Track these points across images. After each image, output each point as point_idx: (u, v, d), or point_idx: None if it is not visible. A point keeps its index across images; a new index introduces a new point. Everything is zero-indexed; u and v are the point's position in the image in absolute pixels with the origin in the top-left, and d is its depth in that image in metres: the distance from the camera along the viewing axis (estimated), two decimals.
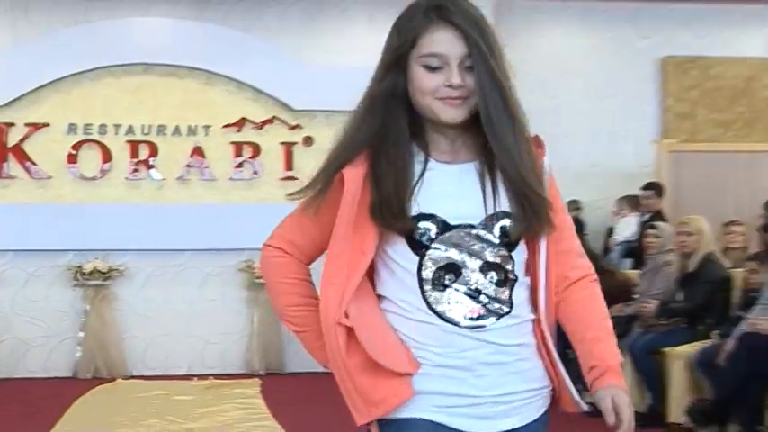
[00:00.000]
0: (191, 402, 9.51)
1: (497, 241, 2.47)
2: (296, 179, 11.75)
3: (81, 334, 11.37)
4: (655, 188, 11.31)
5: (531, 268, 2.56)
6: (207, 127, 11.73)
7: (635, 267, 10.23)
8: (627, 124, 12.64)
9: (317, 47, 12.03)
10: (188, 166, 11.71)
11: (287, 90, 11.75)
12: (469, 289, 2.47)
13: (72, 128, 11.56)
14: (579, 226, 10.08)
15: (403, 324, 2.49)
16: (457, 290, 2.47)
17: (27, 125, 11.48)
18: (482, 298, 2.47)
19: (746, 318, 7.59)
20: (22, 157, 11.46)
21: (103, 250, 11.42)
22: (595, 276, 2.64)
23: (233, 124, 11.78)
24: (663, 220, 10.19)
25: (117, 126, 11.62)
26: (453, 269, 2.47)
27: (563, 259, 2.58)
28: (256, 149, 11.80)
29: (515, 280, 2.51)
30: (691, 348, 8.04)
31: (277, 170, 11.81)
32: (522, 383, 2.51)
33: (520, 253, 2.52)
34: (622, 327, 8.79)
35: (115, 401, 9.71)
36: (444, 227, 2.45)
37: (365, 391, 2.47)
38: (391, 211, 2.42)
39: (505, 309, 2.49)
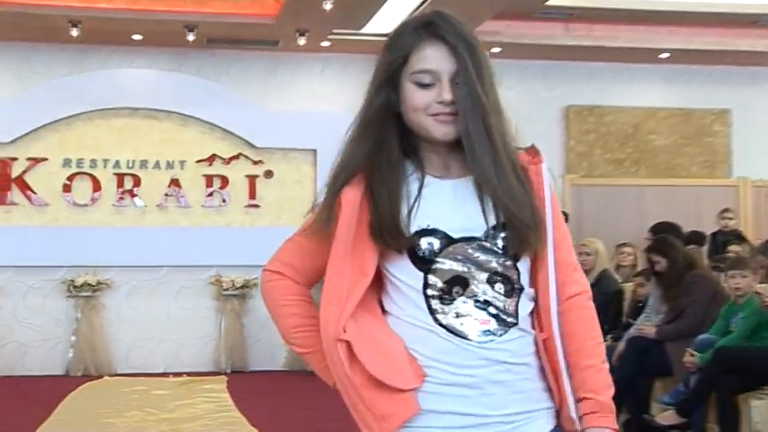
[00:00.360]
0: (167, 396, 9.44)
1: (502, 251, 2.14)
2: (258, 206, 11.80)
3: (73, 338, 11.28)
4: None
5: (534, 281, 2.21)
6: (182, 162, 11.70)
7: None
8: None
9: (276, 95, 12.05)
10: (166, 194, 11.66)
11: (251, 131, 11.74)
12: (478, 301, 2.13)
13: (67, 162, 11.49)
14: None
15: (413, 340, 2.12)
16: (465, 302, 2.12)
17: (28, 159, 11.40)
18: (491, 309, 2.13)
19: (635, 324, 7.64)
20: (24, 186, 11.37)
21: (93, 266, 11.34)
22: (590, 294, 2.24)
23: (205, 159, 11.74)
24: None
25: (105, 160, 11.56)
26: (460, 282, 2.13)
27: (561, 270, 2.20)
28: (225, 181, 11.77)
29: (521, 290, 2.17)
30: None
31: (242, 199, 11.80)
32: (525, 404, 2.14)
33: (525, 263, 2.18)
34: None
35: (102, 396, 9.63)
36: (448, 241, 2.12)
37: (373, 406, 2.11)
38: (389, 231, 2.11)
39: (513, 320, 2.14)
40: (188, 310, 11.66)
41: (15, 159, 11.37)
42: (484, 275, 2.12)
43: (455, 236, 2.11)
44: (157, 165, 11.67)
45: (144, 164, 11.65)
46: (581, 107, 12.73)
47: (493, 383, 2.09)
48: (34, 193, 11.39)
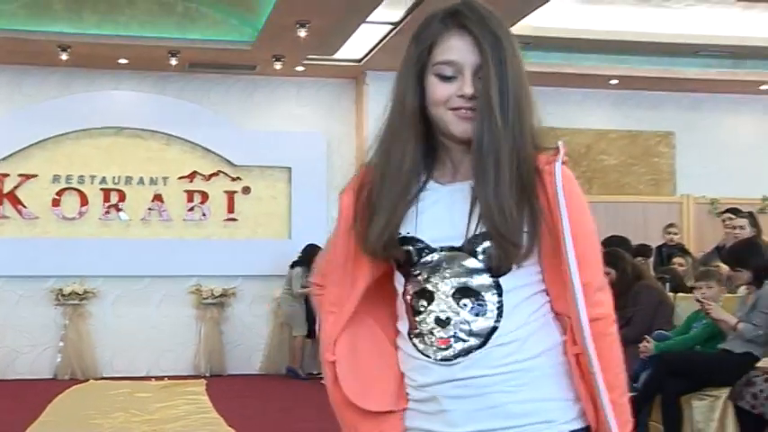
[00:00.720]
0: (149, 399, 9.39)
1: (481, 266, 1.82)
2: (236, 220, 11.78)
3: (61, 343, 11.21)
4: None
5: (554, 289, 1.87)
6: (165, 178, 11.66)
7: None
8: None
9: (253, 116, 12.04)
10: (150, 209, 11.62)
11: (229, 149, 11.73)
12: (439, 318, 1.84)
13: (56, 178, 11.44)
14: None
15: (400, 356, 1.93)
16: (428, 318, 1.85)
17: (20, 175, 11.34)
18: (450, 328, 1.82)
19: None
20: (15, 201, 11.30)
21: (80, 276, 11.29)
22: (614, 317, 1.87)
23: (186, 176, 11.72)
24: None
25: (93, 177, 11.51)
26: (425, 295, 1.85)
27: (583, 290, 1.81)
28: (205, 196, 11.74)
29: (499, 309, 1.82)
30: None
31: (221, 213, 11.77)
32: (497, 420, 1.80)
33: (516, 278, 1.83)
34: None
35: (88, 398, 9.56)
36: (427, 250, 1.85)
37: (353, 426, 1.94)
38: (361, 237, 1.88)
39: (477, 341, 1.81)
40: (169, 318, 11.61)
41: (7, 175, 11.31)
42: (450, 290, 1.84)
43: (434, 245, 1.85)
44: (141, 181, 11.63)
45: (129, 180, 11.61)
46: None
47: (451, 399, 1.83)
48: (25, 207, 11.32)
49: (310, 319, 10.84)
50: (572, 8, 10.37)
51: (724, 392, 5.84)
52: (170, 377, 11.05)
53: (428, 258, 1.85)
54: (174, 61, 10.95)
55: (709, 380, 6.03)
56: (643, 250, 9.53)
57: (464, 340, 1.81)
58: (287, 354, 11.39)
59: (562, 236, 1.80)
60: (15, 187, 11.32)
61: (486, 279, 1.82)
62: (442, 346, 1.82)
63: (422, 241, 1.85)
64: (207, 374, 11.26)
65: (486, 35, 1.84)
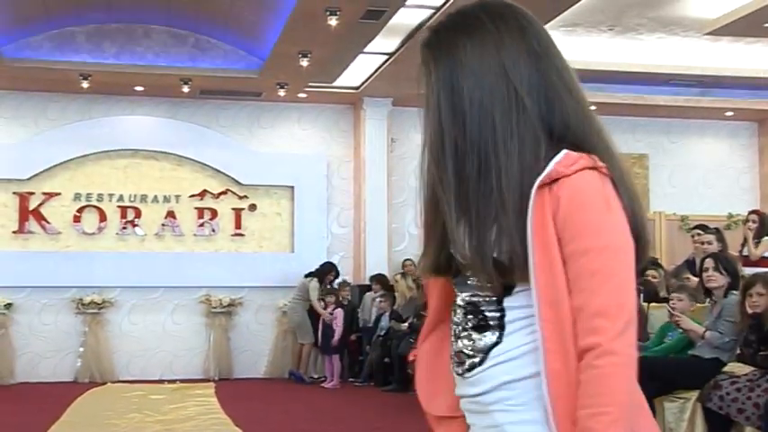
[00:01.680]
0: (162, 400, 9.37)
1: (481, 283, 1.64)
2: (243, 235, 11.79)
3: (81, 349, 11.20)
4: None
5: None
6: (178, 196, 11.68)
7: None
8: None
9: (259, 138, 12.07)
10: (163, 225, 11.63)
11: (237, 170, 11.74)
12: (454, 331, 1.69)
13: (77, 196, 11.44)
14: None
15: None
16: (452, 331, 1.71)
17: (44, 194, 11.36)
18: (459, 343, 1.67)
19: None
20: (39, 217, 11.31)
21: (99, 287, 11.28)
22: (607, 347, 1.48)
23: (197, 194, 11.73)
24: None
25: (111, 195, 11.53)
26: (455, 308, 1.70)
27: (578, 317, 1.52)
28: (214, 213, 11.75)
29: (500, 326, 1.62)
30: None
31: (229, 229, 11.78)
32: None
33: (518, 298, 1.60)
34: None
35: (106, 400, 9.54)
36: (458, 266, 1.67)
37: (429, 428, 1.80)
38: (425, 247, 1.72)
39: (478, 358, 1.63)
40: (181, 325, 11.60)
41: (32, 194, 11.32)
42: (464, 304, 1.67)
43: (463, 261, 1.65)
44: (156, 199, 11.63)
45: (144, 198, 11.61)
46: None
47: (470, 414, 1.68)
48: (48, 223, 11.32)
49: (315, 327, 10.90)
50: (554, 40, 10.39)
51: (693, 395, 5.85)
52: (182, 380, 11.03)
53: (462, 274, 1.68)
54: (186, 88, 10.97)
55: (680, 383, 6.04)
56: None
57: (469, 356, 1.64)
58: (290, 359, 11.38)
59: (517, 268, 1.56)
60: (40, 205, 11.33)
61: (488, 296, 1.63)
62: (457, 360, 1.67)
63: (456, 257, 1.66)
64: (216, 378, 11.24)
65: (427, 58, 1.62)
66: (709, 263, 6.27)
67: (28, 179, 11.29)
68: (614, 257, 1.52)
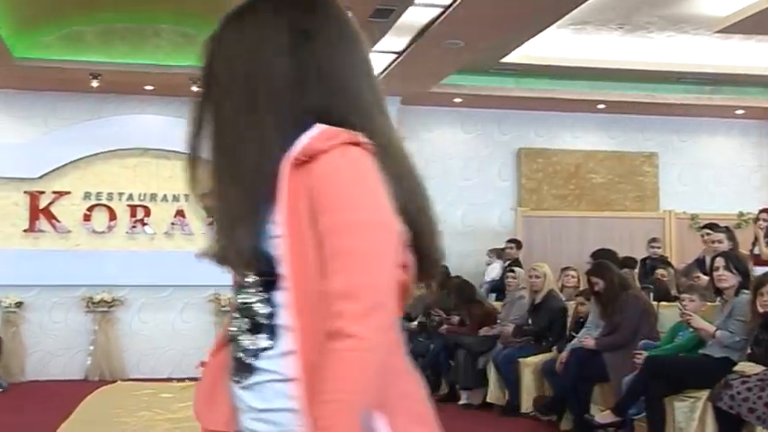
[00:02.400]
0: (172, 399, 9.38)
1: (256, 277, 1.55)
2: None
3: (91, 347, 11.23)
4: (515, 242, 11.37)
5: None
6: (187, 195, 11.59)
7: (498, 300, 10.27)
8: (493, 196, 12.77)
9: None
10: (173, 223, 11.63)
11: None
12: (228, 334, 1.58)
13: (87, 195, 11.46)
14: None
15: None
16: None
17: (54, 193, 11.37)
18: (233, 347, 1.54)
19: (577, 337, 7.67)
20: (50, 216, 11.33)
21: (109, 285, 11.30)
22: (348, 331, 1.35)
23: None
24: (519, 266, 10.23)
25: (120, 194, 11.54)
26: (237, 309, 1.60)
27: (324, 302, 1.39)
28: None
29: (271, 326, 1.49)
30: (538, 359, 8.08)
31: None
32: None
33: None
34: (489, 344, 8.86)
35: (116, 398, 9.56)
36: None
37: None
38: None
39: (251, 362, 1.52)
40: (190, 324, 11.61)
41: (43, 193, 11.34)
42: (236, 304, 1.58)
43: None
44: (165, 198, 11.65)
45: (154, 197, 11.63)
46: (531, 149, 12.81)
47: (248, 421, 1.52)
48: (59, 221, 11.34)
49: None
50: (563, 39, 10.39)
51: (704, 394, 5.83)
52: (191, 379, 11.03)
53: None
54: (195, 88, 10.95)
55: (691, 382, 6.03)
56: (629, 262, 9.53)
57: (242, 361, 1.58)
58: None
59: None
60: (50, 203, 11.35)
61: (259, 291, 1.59)
62: (232, 366, 1.60)
63: None
64: None
65: (209, 47, 1.62)
66: (719, 262, 6.25)
67: (38, 178, 11.32)
68: (364, 234, 1.38)
